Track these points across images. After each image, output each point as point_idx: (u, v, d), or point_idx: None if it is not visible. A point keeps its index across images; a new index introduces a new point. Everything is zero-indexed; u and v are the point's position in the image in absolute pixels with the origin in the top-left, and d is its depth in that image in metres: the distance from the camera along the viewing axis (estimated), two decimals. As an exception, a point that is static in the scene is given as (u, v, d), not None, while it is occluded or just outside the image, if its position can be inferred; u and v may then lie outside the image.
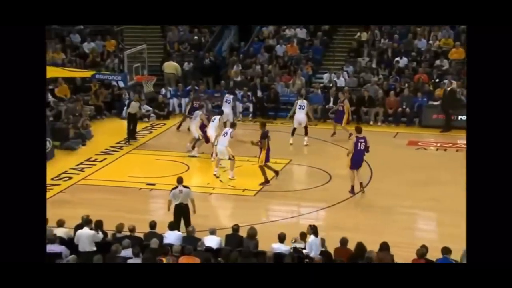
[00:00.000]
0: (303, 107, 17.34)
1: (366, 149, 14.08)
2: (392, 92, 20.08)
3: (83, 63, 22.77)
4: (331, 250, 10.12)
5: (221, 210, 14.09)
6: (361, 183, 14.23)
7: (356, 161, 14.11)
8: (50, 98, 19.79)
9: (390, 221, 12.87)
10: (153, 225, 10.77)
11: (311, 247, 9.98)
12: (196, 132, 16.65)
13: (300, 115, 17.36)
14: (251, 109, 20.86)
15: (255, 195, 14.35)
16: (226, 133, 15.08)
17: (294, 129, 17.56)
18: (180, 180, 11.99)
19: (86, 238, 10.19)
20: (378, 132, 18.92)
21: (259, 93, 21.07)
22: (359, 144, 14.08)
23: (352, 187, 14.15)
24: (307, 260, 9.49)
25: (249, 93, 20.93)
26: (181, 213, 11.62)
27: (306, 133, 17.49)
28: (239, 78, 21.85)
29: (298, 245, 10.20)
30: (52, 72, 17.63)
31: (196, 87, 21.32)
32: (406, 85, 20.26)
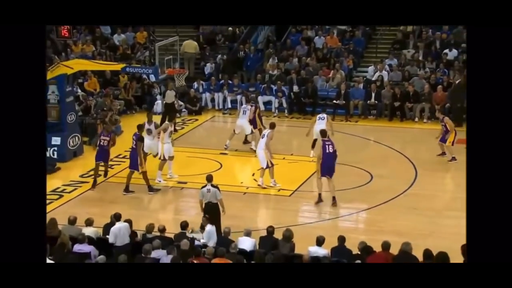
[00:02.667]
0: (323, 118, 15.98)
1: (334, 153, 13.37)
2: (440, 86, 19.79)
3: (113, 55, 23.14)
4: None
5: (255, 210, 14.13)
6: (333, 197, 13.40)
7: (327, 167, 13.28)
8: (79, 92, 20.19)
9: (436, 225, 12.72)
10: (184, 225, 10.93)
11: (209, 236, 10.78)
12: (248, 127, 16.88)
13: (320, 127, 15.36)
14: (284, 105, 20.86)
15: (291, 195, 14.37)
16: (264, 134, 14.89)
17: (315, 140, 15.91)
18: (209, 178, 12.12)
19: (126, 230, 10.60)
20: (424, 129, 18.73)
21: (296, 88, 21.05)
22: (326, 147, 13.33)
23: (320, 195, 13.54)
24: (205, 249, 10.02)
25: (284, 88, 20.94)
26: (210, 212, 11.76)
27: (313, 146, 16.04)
28: (275, 72, 21.87)
29: (195, 235, 10.87)
30: (81, 65, 17.98)
31: (230, 81, 21.51)
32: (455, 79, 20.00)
